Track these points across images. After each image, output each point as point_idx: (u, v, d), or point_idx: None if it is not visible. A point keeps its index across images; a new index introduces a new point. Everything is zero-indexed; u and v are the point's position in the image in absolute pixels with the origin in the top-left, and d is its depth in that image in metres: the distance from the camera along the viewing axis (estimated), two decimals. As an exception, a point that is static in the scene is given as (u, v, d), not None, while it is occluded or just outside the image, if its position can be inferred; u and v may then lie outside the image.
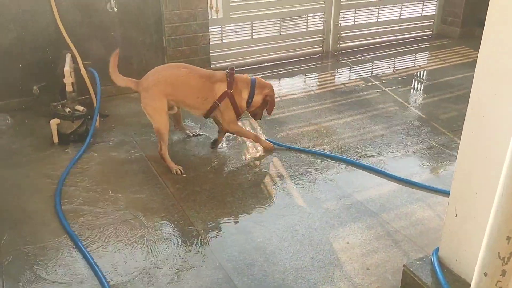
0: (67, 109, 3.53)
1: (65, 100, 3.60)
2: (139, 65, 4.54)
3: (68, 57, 3.76)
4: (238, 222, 2.73)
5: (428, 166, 3.33)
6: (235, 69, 3.42)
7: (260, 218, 2.76)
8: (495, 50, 1.77)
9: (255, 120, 3.59)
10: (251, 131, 3.67)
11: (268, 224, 2.70)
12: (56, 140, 3.55)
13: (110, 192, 3.00)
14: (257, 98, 3.36)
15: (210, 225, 2.69)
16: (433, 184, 3.06)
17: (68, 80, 3.55)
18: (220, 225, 2.71)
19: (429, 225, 2.68)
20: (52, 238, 2.57)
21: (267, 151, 3.48)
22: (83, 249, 2.47)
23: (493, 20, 1.76)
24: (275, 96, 3.57)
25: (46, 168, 3.27)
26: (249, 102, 3.34)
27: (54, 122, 3.51)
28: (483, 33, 1.83)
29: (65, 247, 2.51)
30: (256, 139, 3.49)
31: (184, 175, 3.18)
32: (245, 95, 3.32)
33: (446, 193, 2.92)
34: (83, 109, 3.60)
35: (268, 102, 3.39)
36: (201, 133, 3.75)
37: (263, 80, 3.43)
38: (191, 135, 3.72)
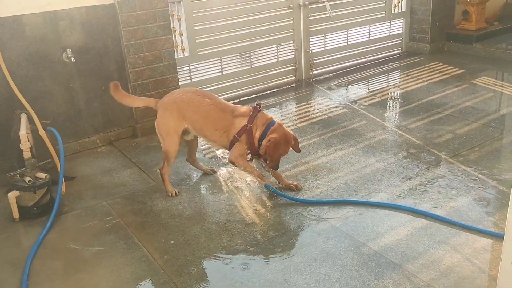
0: (27, 178, 3.06)
1: (23, 168, 3.13)
2: (104, 116, 4.13)
3: (23, 118, 3.31)
4: (244, 295, 2.34)
5: (439, 200, 3.04)
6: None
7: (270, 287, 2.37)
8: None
9: (269, 168, 3.24)
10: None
11: (280, 294, 2.32)
12: (16, 215, 3.06)
13: (87, 274, 2.55)
14: (265, 141, 3.11)
15: (213, 304, 2.29)
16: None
17: (25, 145, 3.09)
18: (225, 302, 2.31)
19: (462, 273, 2.36)
20: None
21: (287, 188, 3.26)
22: None
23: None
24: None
25: (8, 252, 2.78)
26: (259, 143, 3.14)
27: (12, 195, 3.03)
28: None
29: None
30: (261, 178, 3.24)
31: (179, 195, 3.23)
32: (257, 134, 3.15)
33: (471, 229, 2.70)
34: (45, 176, 3.14)
35: (270, 147, 3.07)
36: (215, 170, 3.57)
37: (284, 127, 3.17)
38: (206, 171, 3.55)
